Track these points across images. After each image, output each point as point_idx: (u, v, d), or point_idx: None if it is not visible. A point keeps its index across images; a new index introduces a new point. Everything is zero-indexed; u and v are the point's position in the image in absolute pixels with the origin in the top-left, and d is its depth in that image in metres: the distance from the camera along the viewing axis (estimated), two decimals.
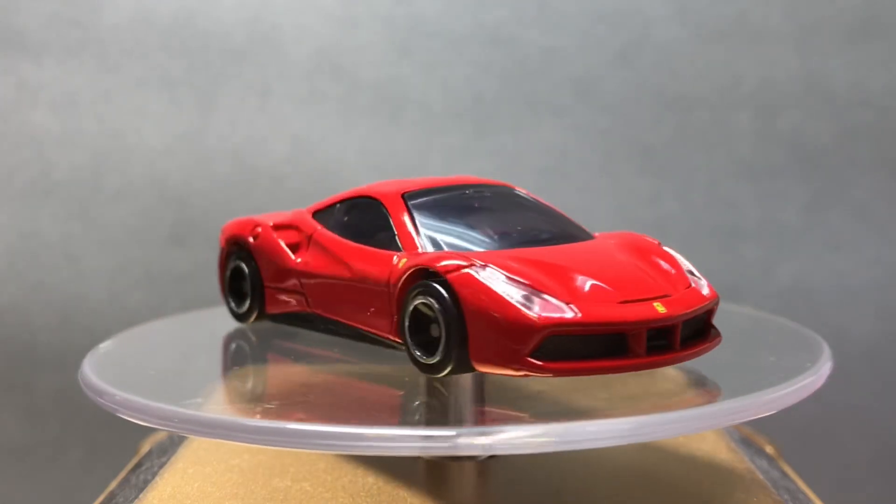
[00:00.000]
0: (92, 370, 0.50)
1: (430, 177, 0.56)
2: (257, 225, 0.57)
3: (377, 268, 0.49)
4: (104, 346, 0.57)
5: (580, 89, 0.91)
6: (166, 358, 0.58)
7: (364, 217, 0.52)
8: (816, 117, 0.91)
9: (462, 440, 0.40)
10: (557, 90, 0.91)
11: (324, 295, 0.52)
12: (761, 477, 0.51)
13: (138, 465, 0.57)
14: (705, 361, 0.52)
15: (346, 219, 0.53)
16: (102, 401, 0.46)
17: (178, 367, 0.56)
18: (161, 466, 0.53)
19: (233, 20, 0.91)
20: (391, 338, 0.48)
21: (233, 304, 0.58)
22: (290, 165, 0.91)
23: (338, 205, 0.55)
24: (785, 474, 0.56)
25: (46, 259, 0.91)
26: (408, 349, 0.47)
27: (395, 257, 0.48)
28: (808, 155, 0.91)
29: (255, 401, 0.49)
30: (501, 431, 0.39)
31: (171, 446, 0.57)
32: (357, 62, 0.91)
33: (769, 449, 0.60)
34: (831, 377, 0.49)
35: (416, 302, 0.46)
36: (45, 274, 0.91)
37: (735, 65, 0.91)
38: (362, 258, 0.50)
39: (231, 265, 0.58)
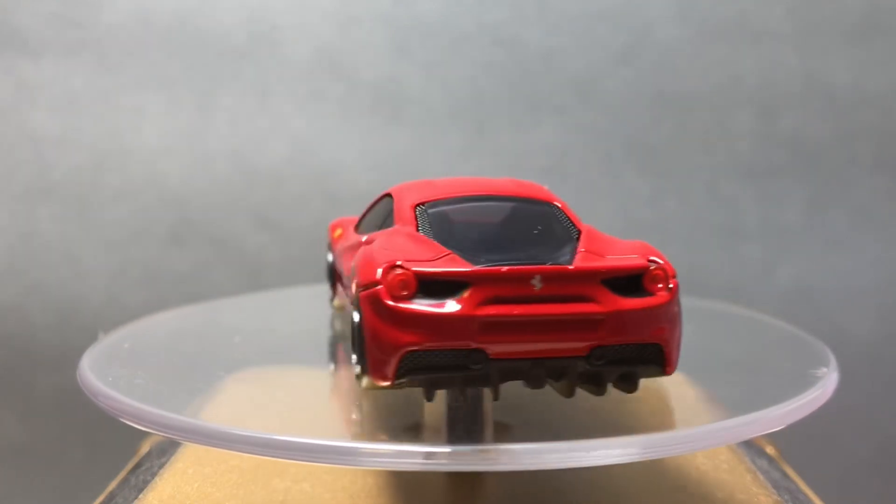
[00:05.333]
0: (91, 369, 0.50)
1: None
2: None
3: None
4: (103, 342, 0.57)
5: (581, 89, 0.91)
6: (166, 356, 0.57)
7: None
8: (817, 117, 0.91)
9: (463, 458, 0.39)
10: (558, 90, 0.91)
11: None
12: (762, 477, 0.51)
13: (138, 466, 0.57)
14: (713, 375, 0.52)
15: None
16: (100, 402, 0.46)
17: (178, 368, 0.55)
18: (161, 467, 0.53)
19: (232, 20, 0.91)
20: None
21: None
22: (289, 165, 0.91)
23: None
24: (786, 475, 0.56)
25: (46, 259, 0.91)
26: None
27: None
28: (808, 155, 0.91)
29: (256, 409, 0.49)
30: (504, 449, 0.39)
31: (170, 447, 0.56)
32: (357, 62, 0.91)
33: (770, 449, 0.60)
34: None
35: None
36: (44, 274, 0.91)
37: (735, 64, 0.91)
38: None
39: None
